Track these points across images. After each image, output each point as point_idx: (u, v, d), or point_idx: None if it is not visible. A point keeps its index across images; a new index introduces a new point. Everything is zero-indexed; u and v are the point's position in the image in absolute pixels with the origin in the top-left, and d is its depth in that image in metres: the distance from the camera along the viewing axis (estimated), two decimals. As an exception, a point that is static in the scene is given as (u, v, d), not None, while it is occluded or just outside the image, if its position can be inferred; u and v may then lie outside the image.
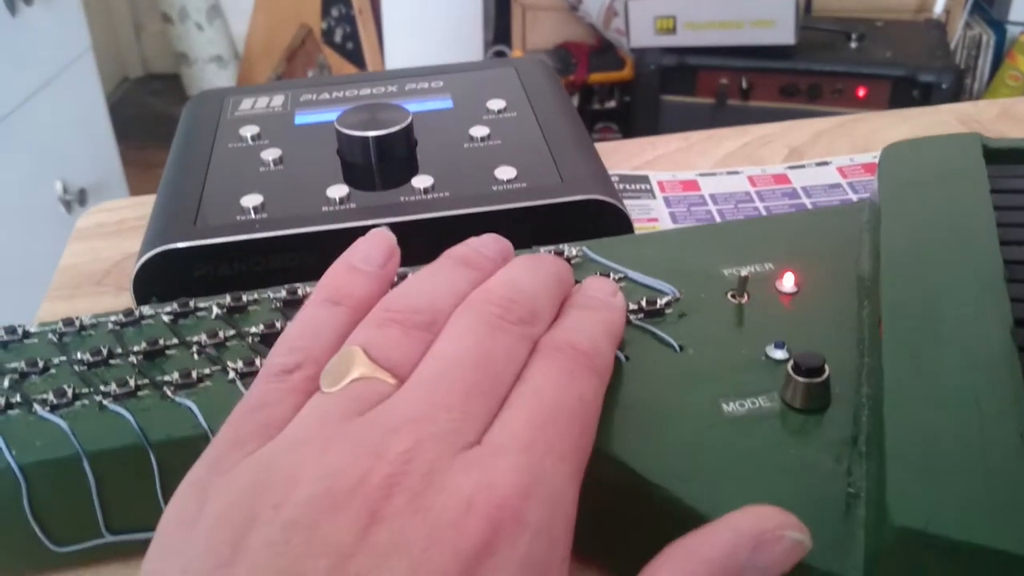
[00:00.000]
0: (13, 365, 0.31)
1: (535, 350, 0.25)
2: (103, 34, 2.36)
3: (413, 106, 0.46)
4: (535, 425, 0.22)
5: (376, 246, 0.29)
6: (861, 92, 1.61)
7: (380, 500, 0.20)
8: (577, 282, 0.31)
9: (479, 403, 0.23)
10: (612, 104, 1.89)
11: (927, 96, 1.58)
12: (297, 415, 0.23)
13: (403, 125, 0.43)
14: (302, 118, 0.48)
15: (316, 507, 0.20)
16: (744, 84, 1.66)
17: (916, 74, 1.58)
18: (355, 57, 2.13)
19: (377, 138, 0.42)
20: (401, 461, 0.21)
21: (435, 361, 0.24)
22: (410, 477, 0.20)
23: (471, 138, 0.44)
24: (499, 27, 2.06)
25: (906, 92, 1.59)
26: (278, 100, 0.50)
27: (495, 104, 0.47)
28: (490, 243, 0.29)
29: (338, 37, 2.16)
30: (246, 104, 0.49)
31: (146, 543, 0.22)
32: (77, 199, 1.44)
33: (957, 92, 1.58)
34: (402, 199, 0.40)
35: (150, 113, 2.50)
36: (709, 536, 0.22)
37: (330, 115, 0.46)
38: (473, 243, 0.29)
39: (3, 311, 1.24)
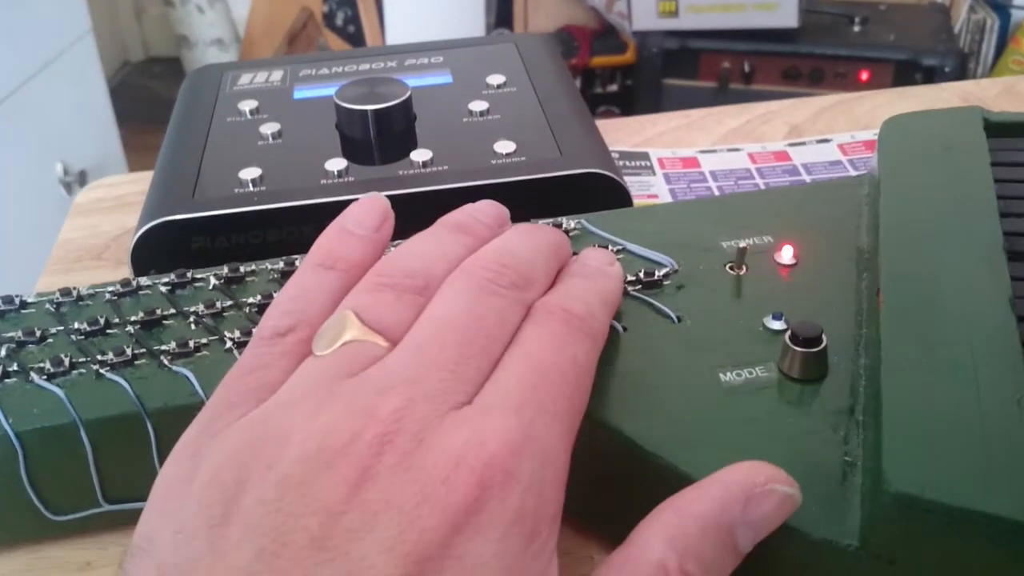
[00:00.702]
0: (10, 334, 0.31)
1: (529, 315, 0.25)
2: (104, 17, 2.35)
3: (412, 81, 0.46)
4: (526, 385, 0.22)
5: (370, 210, 0.29)
6: (864, 76, 1.61)
7: (371, 458, 0.20)
8: (575, 254, 0.31)
9: (470, 364, 0.23)
10: (614, 88, 1.88)
11: (930, 80, 1.57)
12: (289, 378, 0.23)
13: (402, 99, 0.42)
14: (301, 92, 0.47)
15: (308, 466, 0.20)
16: (746, 68, 1.65)
17: (919, 58, 1.58)
18: (356, 40, 2.12)
19: (376, 112, 0.42)
20: (392, 420, 0.21)
21: (427, 324, 0.24)
22: (401, 436, 0.20)
23: (470, 112, 0.44)
24: (501, 10, 2.05)
25: (909, 76, 1.58)
26: (277, 75, 0.49)
27: (495, 79, 0.47)
28: (486, 208, 0.29)
29: (339, 20, 2.15)
30: (245, 79, 0.49)
31: None
32: (77, 181, 1.44)
33: (960, 76, 1.58)
34: (401, 173, 0.40)
35: (151, 96, 2.50)
36: (699, 493, 0.22)
37: (329, 90, 0.45)
38: (468, 209, 0.29)
39: (2, 290, 1.24)
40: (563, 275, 0.28)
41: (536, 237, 0.28)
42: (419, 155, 0.40)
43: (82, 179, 1.45)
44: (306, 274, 0.27)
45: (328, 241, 0.28)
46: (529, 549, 0.20)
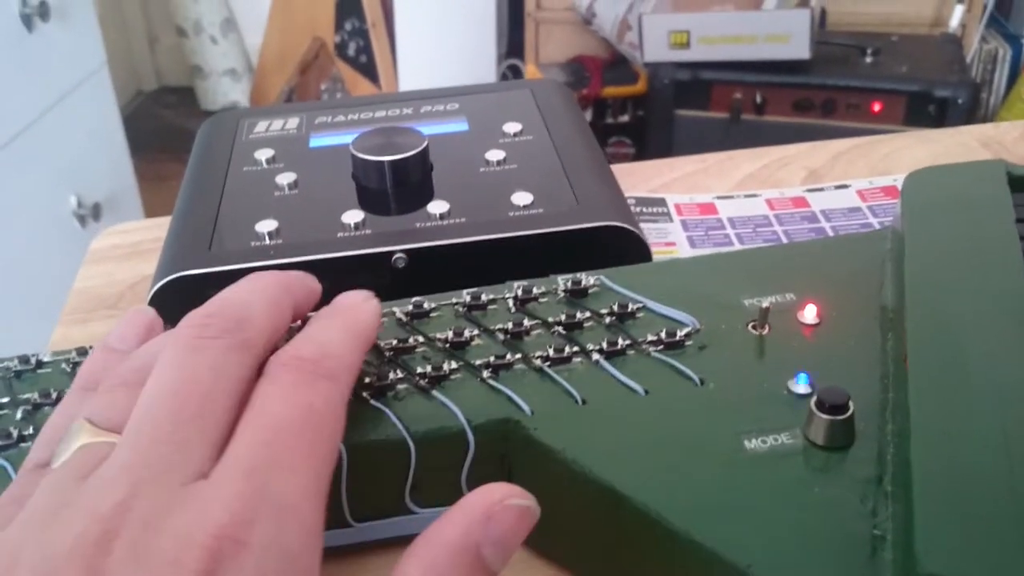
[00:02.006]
0: (26, 396, 0.31)
1: (263, 372, 0.25)
2: (118, 47, 2.37)
3: (428, 129, 0.45)
4: (258, 445, 0.22)
5: (131, 325, 0.28)
6: (876, 107, 1.61)
7: (98, 557, 0.19)
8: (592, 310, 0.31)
9: (191, 429, 0.22)
10: (625, 118, 1.89)
11: (943, 111, 1.57)
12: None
13: (419, 149, 0.42)
14: (317, 141, 0.47)
15: None
16: (758, 99, 1.65)
17: (932, 89, 1.58)
18: (368, 71, 2.14)
19: (393, 162, 0.42)
20: (117, 513, 0.20)
21: (139, 403, 0.23)
22: (128, 527, 0.20)
23: (487, 162, 0.44)
24: (512, 41, 2.06)
25: (922, 107, 1.58)
26: (293, 122, 0.49)
27: (511, 127, 0.47)
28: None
29: (351, 50, 2.17)
30: (261, 126, 0.49)
31: None
32: (91, 213, 1.45)
33: (973, 107, 1.57)
34: (418, 225, 0.40)
35: (164, 126, 2.51)
36: (445, 521, 0.23)
37: (345, 138, 0.45)
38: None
39: (18, 324, 1.24)
40: (311, 320, 0.28)
41: (254, 280, 0.28)
42: (436, 207, 0.40)
43: (96, 212, 1.45)
44: (70, 400, 0.27)
45: (91, 363, 0.27)
46: None
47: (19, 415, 0.30)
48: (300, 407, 0.23)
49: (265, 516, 0.21)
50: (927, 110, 1.57)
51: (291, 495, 0.22)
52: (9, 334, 1.22)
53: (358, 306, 0.29)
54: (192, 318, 0.26)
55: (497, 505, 0.23)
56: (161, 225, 0.49)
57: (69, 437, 0.24)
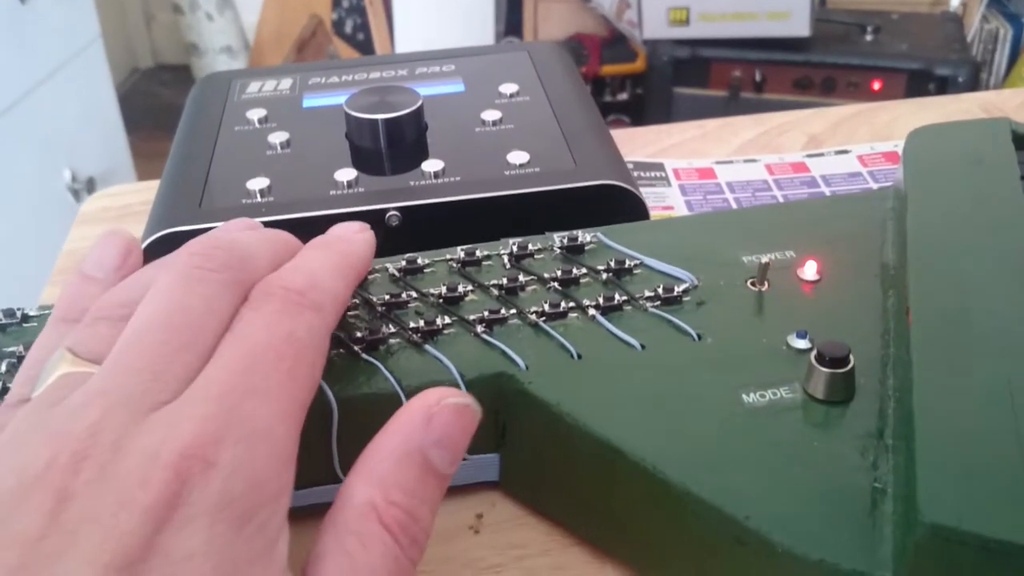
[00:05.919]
0: (11, 349, 0.30)
1: (247, 299, 0.24)
2: (114, 24, 2.35)
3: (424, 90, 0.45)
4: (234, 371, 0.22)
5: (107, 249, 0.28)
6: (876, 85, 1.60)
7: (68, 478, 0.19)
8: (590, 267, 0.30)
9: (174, 359, 0.22)
10: (624, 96, 1.88)
11: (943, 90, 1.56)
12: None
13: (413, 108, 0.41)
14: (310, 101, 0.47)
15: (5, 503, 0.19)
16: (758, 77, 1.64)
17: (932, 67, 1.57)
18: (365, 48, 2.12)
19: (386, 121, 0.41)
20: (87, 435, 0.20)
21: (128, 330, 0.23)
22: (98, 448, 0.20)
23: (483, 122, 0.43)
24: (511, 18, 2.04)
25: (922, 85, 1.58)
26: (286, 83, 0.49)
27: (507, 88, 0.46)
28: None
29: (348, 28, 2.15)
30: (253, 87, 0.48)
31: None
32: (85, 188, 1.44)
33: (973, 86, 1.57)
34: (411, 183, 0.39)
35: (160, 103, 2.50)
36: (386, 430, 0.23)
37: (339, 98, 0.45)
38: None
39: (10, 298, 1.23)
40: (302, 250, 0.27)
41: (260, 229, 0.27)
42: (431, 165, 0.39)
43: (90, 186, 1.44)
44: (49, 333, 0.26)
45: (68, 293, 0.27)
46: (243, 533, 0.20)
47: (3, 367, 0.29)
48: (281, 334, 0.23)
49: (235, 438, 0.20)
50: (927, 88, 1.57)
51: (263, 420, 0.21)
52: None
53: (351, 237, 0.28)
54: (194, 246, 0.25)
55: (435, 406, 0.23)
56: (151, 188, 0.48)
57: (49, 366, 0.23)
